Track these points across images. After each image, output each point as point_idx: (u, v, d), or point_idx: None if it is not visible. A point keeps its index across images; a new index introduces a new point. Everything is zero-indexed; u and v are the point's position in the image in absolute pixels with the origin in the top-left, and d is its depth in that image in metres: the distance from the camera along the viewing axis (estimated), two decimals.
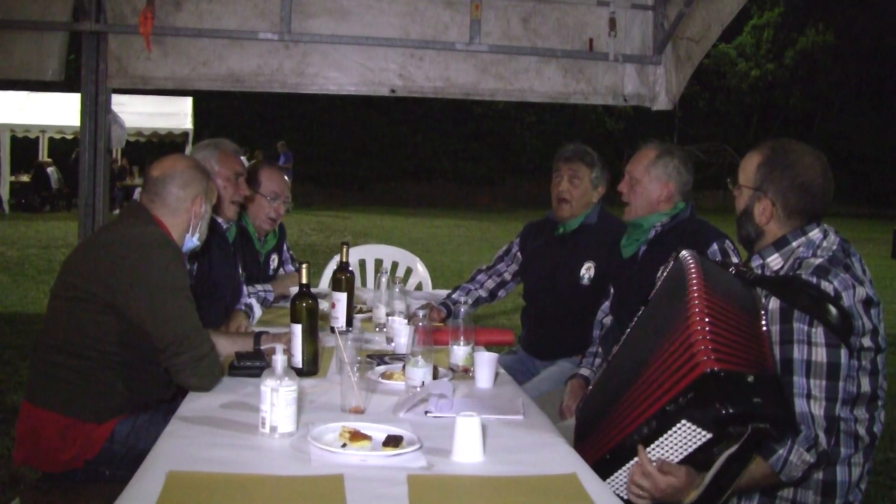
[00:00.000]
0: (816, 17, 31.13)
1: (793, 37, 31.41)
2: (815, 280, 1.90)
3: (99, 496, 2.11)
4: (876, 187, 29.53)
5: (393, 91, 5.05)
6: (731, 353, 1.77)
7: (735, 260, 2.59)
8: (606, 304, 2.98)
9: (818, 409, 1.84)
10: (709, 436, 1.76)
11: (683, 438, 1.79)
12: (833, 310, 1.87)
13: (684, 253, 2.07)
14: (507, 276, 3.56)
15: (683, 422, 1.77)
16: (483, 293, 3.54)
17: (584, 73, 5.18)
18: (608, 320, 2.96)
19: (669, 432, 1.79)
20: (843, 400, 1.88)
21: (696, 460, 1.81)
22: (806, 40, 31.26)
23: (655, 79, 5.20)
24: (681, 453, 1.81)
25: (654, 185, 2.78)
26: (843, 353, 1.88)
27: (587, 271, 3.22)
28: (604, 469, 1.91)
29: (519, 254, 3.53)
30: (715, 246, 2.65)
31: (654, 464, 1.83)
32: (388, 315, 2.97)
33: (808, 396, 1.85)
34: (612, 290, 2.97)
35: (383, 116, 27.14)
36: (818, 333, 1.87)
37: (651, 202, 2.79)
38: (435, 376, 2.30)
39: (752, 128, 31.61)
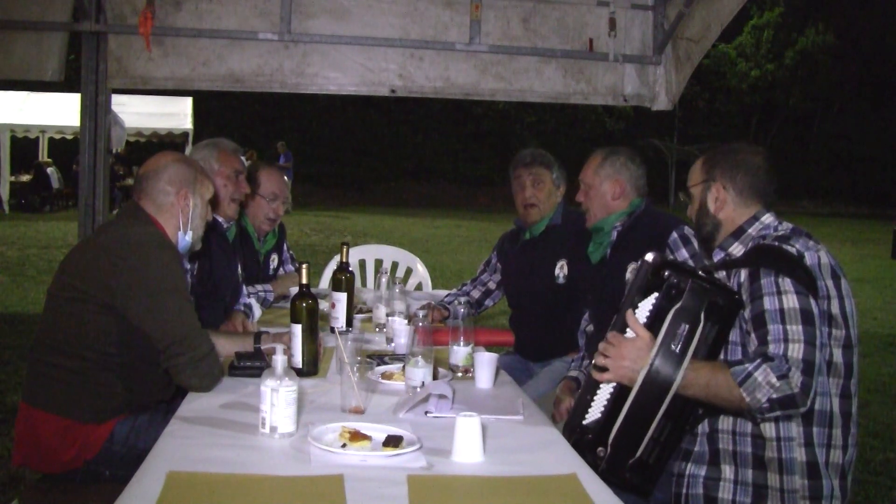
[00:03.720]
0: (816, 17, 31.14)
1: (793, 37, 31.41)
2: (776, 244, 1.99)
3: (99, 496, 2.10)
4: (876, 187, 29.49)
5: (393, 91, 5.05)
6: None
7: (696, 244, 2.68)
8: (588, 313, 3.01)
9: (796, 352, 1.85)
10: (655, 294, 1.97)
11: (640, 312, 2.01)
12: (796, 267, 1.93)
13: (650, 255, 2.11)
14: (492, 286, 3.63)
15: (639, 304, 2.01)
16: (470, 301, 3.59)
17: (584, 74, 5.18)
18: (591, 328, 2.99)
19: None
20: (819, 353, 1.88)
21: (653, 327, 1.96)
22: (806, 40, 31.25)
23: (655, 79, 5.20)
24: (641, 323, 2.00)
25: (605, 185, 2.84)
26: (813, 303, 1.91)
27: (561, 270, 3.30)
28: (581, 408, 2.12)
29: (498, 264, 3.61)
30: (675, 234, 2.69)
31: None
32: (388, 315, 2.97)
33: (785, 340, 1.87)
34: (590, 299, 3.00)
35: (383, 116, 27.14)
36: (786, 282, 1.92)
37: (606, 203, 2.84)
38: (435, 376, 2.30)
39: (752, 128, 31.61)
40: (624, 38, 5.07)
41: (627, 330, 2.00)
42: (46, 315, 2.29)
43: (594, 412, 2.08)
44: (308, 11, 4.86)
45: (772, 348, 1.87)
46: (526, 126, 28.33)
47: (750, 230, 2.11)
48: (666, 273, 1.98)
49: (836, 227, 20.03)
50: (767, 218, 2.12)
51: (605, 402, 2.06)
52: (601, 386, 2.07)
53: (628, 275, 2.74)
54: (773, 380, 1.82)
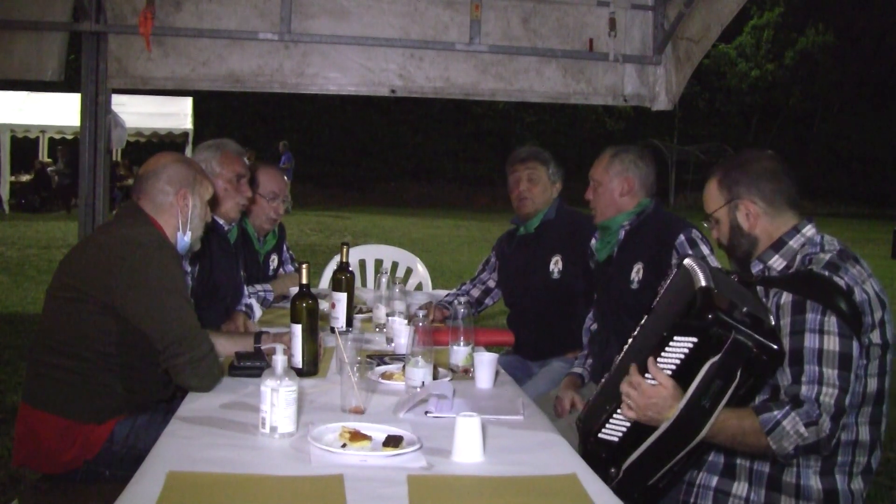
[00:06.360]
0: (816, 17, 31.10)
1: (793, 37, 31.38)
2: (826, 274, 1.90)
3: (99, 496, 2.10)
4: (876, 187, 29.45)
5: (393, 91, 5.06)
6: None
7: (705, 248, 2.65)
8: (592, 311, 3.03)
9: (829, 397, 1.81)
10: (693, 340, 1.84)
11: (672, 353, 1.88)
12: (844, 303, 1.87)
13: (688, 261, 2.08)
14: (491, 284, 3.65)
15: (675, 338, 1.87)
16: (470, 300, 3.59)
17: (584, 74, 5.18)
18: (595, 327, 3.00)
19: (661, 352, 1.89)
20: (851, 396, 1.85)
21: (683, 375, 1.85)
22: (806, 40, 31.22)
23: (655, 79, 5.20)
24: (669, 369, 1.88)
25: (614, 182, 2.84)
26: (855, 345, 1.86)
27: (555, 265, 3.32)
28: (597, 415, 2.06)
29: (496, 262, 3.63)
30: (682, 236, 2.68)
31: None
32: (388, 315, 2.97)
33: (820, 383, 1.82)
34: (595, 297, 3.01)
35: (383, 116, 27.13)
36: (831, 322, 1.85)
37: (614, 200, 2.84)
38: (435, 376, 2.30)
39: (752, 128, 31.59)
40: (624, 38, 5.07)
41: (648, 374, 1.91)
42: (46, 315, 2.29)
43: (610, 433, 2.03)
44: (308, 11, 4.86)
45: (804, 390, 1.83)
46: (526, 126, 28.31)
47: (791, 242, 2.02)
48: (710, 316, 1.81)
49: (836, 227, 19.98)
50: (809, 230, 2.03)
51: (623, 430, 1.99)
52: (622, 406, 1.97)
53: (633, 275, 2.75)
54: (802, 429, 1.80)
